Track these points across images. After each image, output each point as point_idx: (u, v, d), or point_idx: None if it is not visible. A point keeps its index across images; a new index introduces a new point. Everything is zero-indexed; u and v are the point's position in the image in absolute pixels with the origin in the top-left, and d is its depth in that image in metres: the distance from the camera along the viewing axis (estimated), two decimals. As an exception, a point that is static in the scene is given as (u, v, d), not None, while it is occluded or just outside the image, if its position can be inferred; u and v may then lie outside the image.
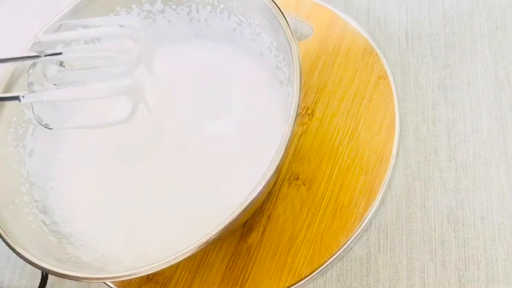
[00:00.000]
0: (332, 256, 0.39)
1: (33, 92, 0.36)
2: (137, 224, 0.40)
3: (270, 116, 0.41)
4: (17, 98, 0.36)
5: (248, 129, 0.41)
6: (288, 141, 0.32)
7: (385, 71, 0.45)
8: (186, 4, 0.44)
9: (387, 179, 0.41)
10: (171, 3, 0.44)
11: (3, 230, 0.36)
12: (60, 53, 0.37)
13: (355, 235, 0.40)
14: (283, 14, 0.37)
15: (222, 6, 0.42)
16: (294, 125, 0.33)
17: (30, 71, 0.36)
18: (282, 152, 0.32)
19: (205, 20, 0.44)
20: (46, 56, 0.37)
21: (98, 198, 0.42)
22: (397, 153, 0.42)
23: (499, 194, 0.40)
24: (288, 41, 0.36)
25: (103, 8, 0.43)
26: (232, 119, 0.42)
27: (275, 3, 0.37)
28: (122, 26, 0.38)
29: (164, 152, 0.42)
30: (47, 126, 0.38)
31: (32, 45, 0.37)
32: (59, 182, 0.43)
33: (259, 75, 0.43)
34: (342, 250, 0.39)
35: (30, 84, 0.36)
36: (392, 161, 0.42)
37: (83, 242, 0.40)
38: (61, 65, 0.37)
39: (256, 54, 0.43)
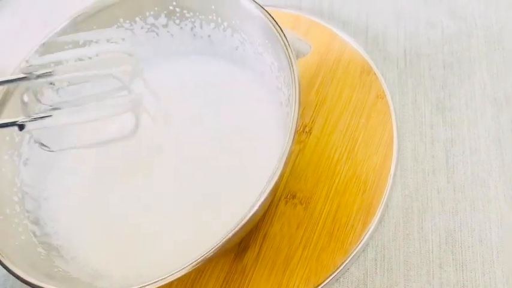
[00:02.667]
0: (328, 277, 0.38)
1: (29, 116, 0.34)
2: (129, 240, 0.40)
3: (267, 136, 0.40)
4: (16, 124, 0.34)
5: (245, 149, 0.41)
6: (284, 165, 0.32)
7: (383, 90, 0.45)
8: (190, 20, 0.43)
9: (385, 199, 0.41)
10: (175, 17, 0.44)
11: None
12: (51, 73, 0.35)
13: (352, 255, 0.39)
14: (284, 35, 0.36)
15: (225, 23, 0.42)
16: (290, 151, 0.32)
17: (24, 95, 0.35)
18: (277, 177, 0.32)
19: (208, 36, 0.44)
20: (38, 76, 0.35)
21: (92, 211, 0.42)
22: (395, 173, 0.42)
23: (498, 215, 0.39)
24: (289, 63, 0.35)
25: (105, 21, 0.43)
26: (230, 138, 0.42)
27: (277, 24, 0.37)
28: (109, 40, 0.37)
29: (159, 169, 0.42)
30: (48, 150, 0.37)
31: (21, 69, 0.36)
32: (53, 193, 0.42)
33: (260, 95, 0.42)
34: (338, 271, 0.39)
35: (25, 106, 0.35)
36: (390, 181, 0.41)
37: (74, 255, 0.39)
38: (51, 84, 0.36)
39: (257, 74, 0.42)
